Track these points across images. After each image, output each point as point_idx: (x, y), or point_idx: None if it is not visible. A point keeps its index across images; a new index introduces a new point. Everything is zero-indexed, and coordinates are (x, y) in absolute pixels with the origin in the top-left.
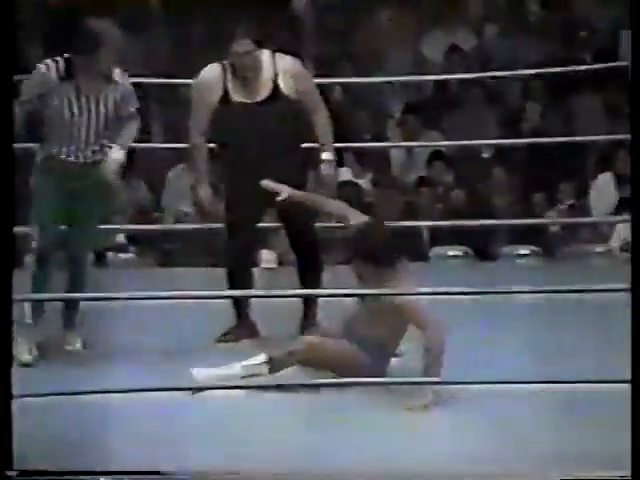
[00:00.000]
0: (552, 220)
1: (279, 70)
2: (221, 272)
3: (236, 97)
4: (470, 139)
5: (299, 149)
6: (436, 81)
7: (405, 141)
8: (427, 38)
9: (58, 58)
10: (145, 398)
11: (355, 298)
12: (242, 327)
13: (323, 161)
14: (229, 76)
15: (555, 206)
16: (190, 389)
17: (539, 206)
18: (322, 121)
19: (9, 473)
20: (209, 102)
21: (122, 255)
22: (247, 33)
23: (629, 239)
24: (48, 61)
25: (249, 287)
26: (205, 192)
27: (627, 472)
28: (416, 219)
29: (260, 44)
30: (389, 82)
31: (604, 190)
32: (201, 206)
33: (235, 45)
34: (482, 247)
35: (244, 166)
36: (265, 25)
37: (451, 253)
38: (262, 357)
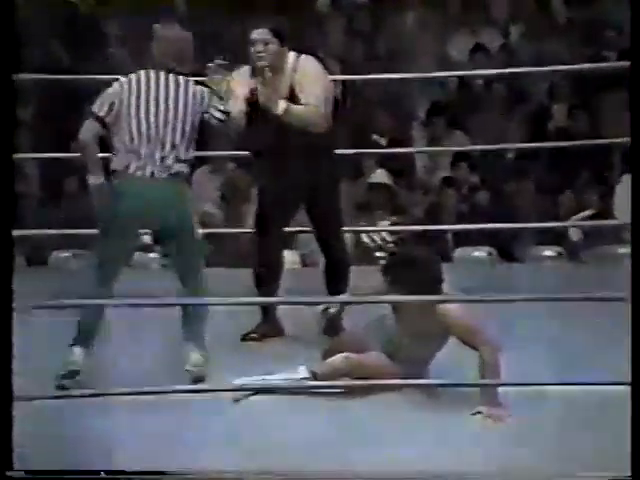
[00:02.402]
0: (574, 223)
1: (298, 72)
2: (245, 272)
3: (261, 98)
4: (495, 140)
5: (328, 155)
6: (461, 81)
7: (430, 141)
8: (452, 38)
9: None
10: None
11: (387, 308)
12: (268, 326)
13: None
14: (261, 76)
15: (579, 212)
16: (190, 391)
17: (565, 207)
18: (300, 109)
19: (9, 473)
20: (242, 93)
21: (148, 255)
22: (265, 23)
23: None
24: None
25: (276, 288)
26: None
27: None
28: (440, 220)
29: (281, 39)
30: (415, 82)
31: (629, 191)
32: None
33: (253, 33)
34: (507, 248)
35: (272, 170)
36: (289, 23)
37: (476, 254)
38: (303, 372)
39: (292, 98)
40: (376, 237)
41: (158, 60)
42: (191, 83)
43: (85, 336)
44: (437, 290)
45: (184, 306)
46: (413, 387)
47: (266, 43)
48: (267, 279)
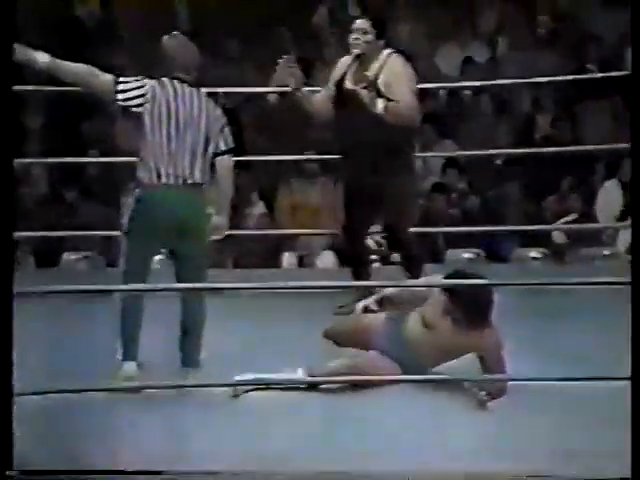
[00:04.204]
0: (558, 226)
1: (385, 68)
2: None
3: (347, 84)
4: (483, 148)
5: (408, 153)
6: (451, 93)
7: (422, 149)
8: (442, 51)
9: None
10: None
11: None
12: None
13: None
14: (353, 65)
15: (563, 217)
16: (179, 386)
17: (549, 211)
18: (394, 105)
19: (9, 473)
20: (332, 78)
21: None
22: (369, 13)
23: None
24: None
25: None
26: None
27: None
28: (431, 224)
29: (380, 30)
30: None
31: (610, 196)
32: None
33: (355, 22)
34: (494, 250)
35: (356, 169)
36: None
37: (465, 256)
38: (301, 374)
39: (372, 84)
40: (370, 241)
41: (167, 70)
42: (209, 99)
43: (132, 348)
44: (489, 314)
45: (183, 326)
46: (414, 386)
47: (364, 32)
48: (362, 272)
